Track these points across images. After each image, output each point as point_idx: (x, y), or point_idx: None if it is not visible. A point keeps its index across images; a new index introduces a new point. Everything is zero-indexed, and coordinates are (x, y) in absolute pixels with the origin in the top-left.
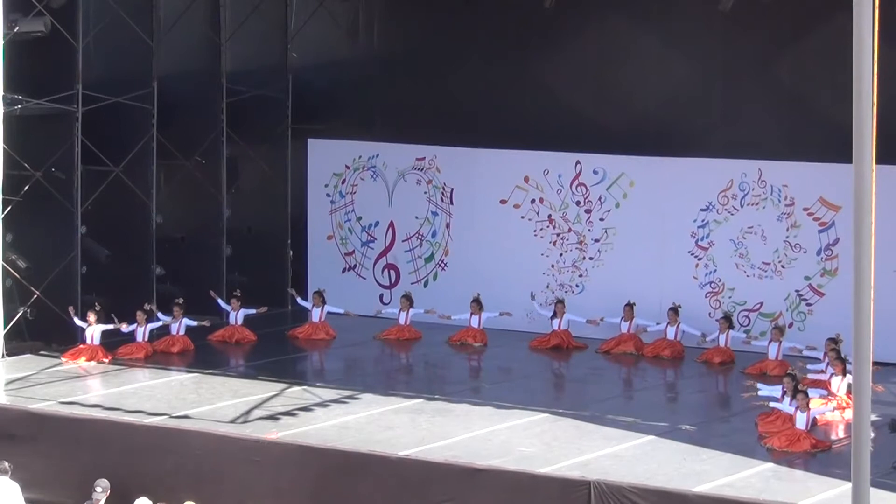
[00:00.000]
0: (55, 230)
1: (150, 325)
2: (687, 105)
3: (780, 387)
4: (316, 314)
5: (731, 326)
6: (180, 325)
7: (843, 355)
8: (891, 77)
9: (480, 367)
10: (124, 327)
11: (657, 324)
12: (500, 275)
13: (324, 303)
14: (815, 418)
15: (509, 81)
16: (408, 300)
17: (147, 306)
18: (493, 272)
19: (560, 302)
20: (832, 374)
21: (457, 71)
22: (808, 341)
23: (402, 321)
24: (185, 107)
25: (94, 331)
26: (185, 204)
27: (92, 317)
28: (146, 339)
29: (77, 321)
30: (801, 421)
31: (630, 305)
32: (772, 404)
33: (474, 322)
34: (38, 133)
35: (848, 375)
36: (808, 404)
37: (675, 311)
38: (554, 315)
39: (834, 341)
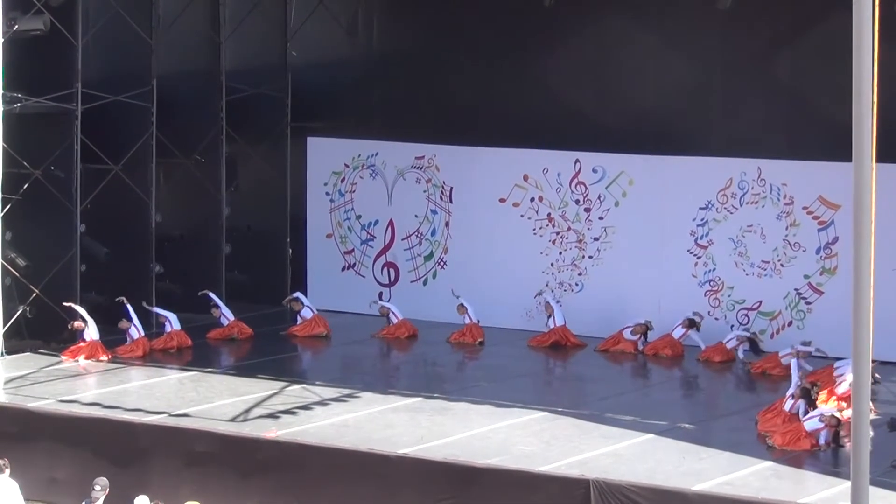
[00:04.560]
0: (54, 228)
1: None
2: (686, 103)
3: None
4: (307, 313)
5: (753, 346)
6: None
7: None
8: (891, 76)
9: (479, 365)
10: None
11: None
12: (499, 273)
13: (303, 304)
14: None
15: (508, 80)
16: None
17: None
18: (493, 271)
19: (548, 303)
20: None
21: (456, 69)
22: (807, 340)
23: (393, 319)
24: (184, 105)
25: (90, 331)
26: (184, 202)
27: (79, 324)
28: (142, 334)
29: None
30: (811, 425)
31: (645, 324)
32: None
33: (466, 320)
34: (37, 131)
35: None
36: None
37: (693, 323)
38: (549, 315)
39: None
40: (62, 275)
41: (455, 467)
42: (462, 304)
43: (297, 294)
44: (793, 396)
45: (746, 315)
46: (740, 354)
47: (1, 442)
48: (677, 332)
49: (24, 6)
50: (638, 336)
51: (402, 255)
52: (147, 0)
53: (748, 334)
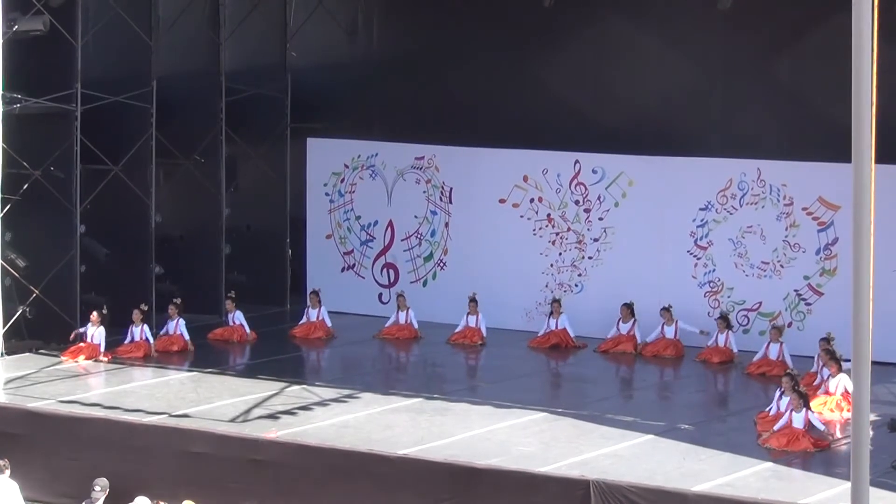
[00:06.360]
0: (54, 229)
1: (146, 328)
2: (686, 104)
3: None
4: (314, 314)
5: (729, 326)
6: (177, 325)
7: (838, 354)
8: (890, 77)
9: (479, 366)
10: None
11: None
12: (499, 274)
13: (320, 303)
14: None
15: (508, 80)
16: (404, 298)
17: (144, 306)
18: (492, 271)
19: (557, 301)
20: (829, 376)
21: (456, 70)
22: (806, 340)
23: (401, 320)
24: (184, 106)
25: (94, 331)
26: (184, 203)
27: (95, 316)
28: (143, 337)
29: (81, 331)
30: (798, 420)
31: (627, 306)
32: (772, 408)
33: (471, 321)
34: (37, 132)
35: (842, 375)
36: (802, 404)
37: (667, 310)
38: (551, 314)
39: (827, 341)
40: (62, 275)
41: (455, 468)
42: (476, 303)
43: (319, 293)
44: (782, 393)
45: (746, 316)
46: (734, 348)
47: (1, 442)
48: (668, 332)
49: (24, 6)
50: (631, 322)
51: (402, 255)
52: (147, 0)
53: (719, 315)
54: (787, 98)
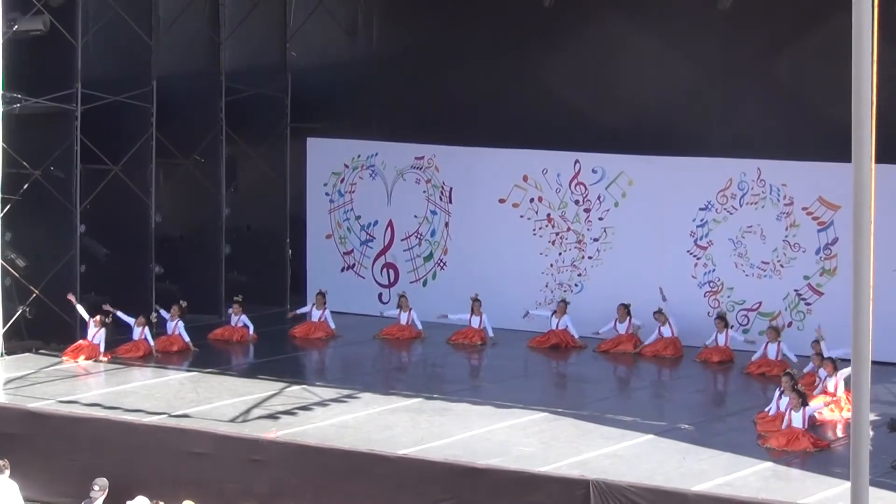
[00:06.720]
0: (54, 229)
1: (147, 330)
2: (686, 104)
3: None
4: (316, 314)
5: (727, 326)
6: (176, 326)
7: (828, 354)
8: (890, 77)
9: (479, 366)
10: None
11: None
12: (498, 274)
13: (325, 305)
14: (812, 417)
15: (508, 80)
16: (406, 299)
17: (154, 317)
18: (492, 271)
19: (563, 302)
20: (827, 377)
21: (456, 70)
22: (806, 340)
23: (402, 321)
24: (184, 106)
25: (96, 332)
26: (184, 203)
27: (98, 319)
28: (144, 337)
29: (79, 308)
30: (797, 420)
31: (625, 306)
32: (772, 408)
33: (474, 322)
34: (37, 132)
35: (840, 372)
36: (801, 403)
37: (660, 312)
38: (554, 312)
39: (817, 343)
40: (62, 275)
41: (455, 468)
42: (479, 303)
43: (325, 294)
44: (781, 393)
45: (746, 316)
46: (739, 338)
47: (1, 442)
48: (665, 332)
49: (24, 6)
50: (627, 321)
51: (402, 255)
52: (147, 0)
53: (717, 315)
54: (787, 98)
